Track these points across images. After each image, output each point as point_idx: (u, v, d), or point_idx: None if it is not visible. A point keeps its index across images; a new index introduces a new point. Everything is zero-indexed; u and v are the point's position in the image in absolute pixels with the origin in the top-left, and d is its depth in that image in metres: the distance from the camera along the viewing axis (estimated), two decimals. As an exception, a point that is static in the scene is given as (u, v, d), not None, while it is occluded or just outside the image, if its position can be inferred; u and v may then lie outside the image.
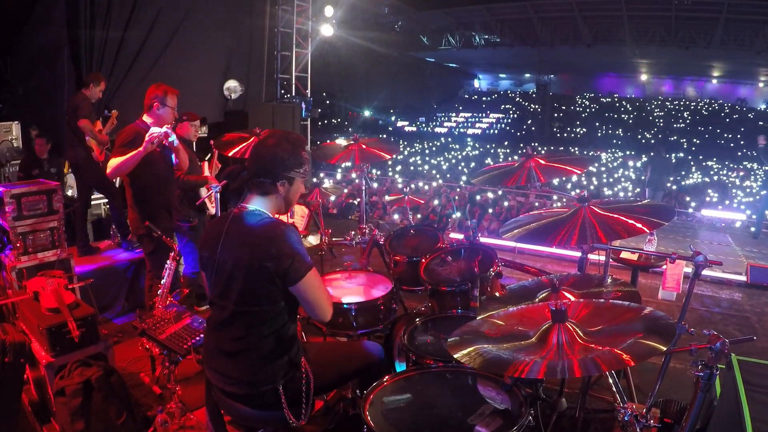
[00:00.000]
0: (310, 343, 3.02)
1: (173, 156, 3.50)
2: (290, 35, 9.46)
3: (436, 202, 11.22)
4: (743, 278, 5.74)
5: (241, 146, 3.95)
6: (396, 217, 9.56)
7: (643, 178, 13.42)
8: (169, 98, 3.46)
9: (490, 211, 10.69)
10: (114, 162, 3.22)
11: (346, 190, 9.68)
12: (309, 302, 1.96)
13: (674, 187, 15.13)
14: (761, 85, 27.74)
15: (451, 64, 32.52)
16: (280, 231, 1.87)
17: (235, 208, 1.99)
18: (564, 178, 13.70)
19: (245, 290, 1.88)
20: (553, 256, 6.50)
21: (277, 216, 2.03)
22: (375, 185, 12.48)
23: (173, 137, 3.28)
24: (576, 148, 24.12)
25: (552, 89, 31.98)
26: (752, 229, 8.32)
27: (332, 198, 9.83)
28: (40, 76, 6.78)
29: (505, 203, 11.01)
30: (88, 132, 4.81)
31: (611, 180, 16.72)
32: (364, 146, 3.75)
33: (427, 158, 20.68)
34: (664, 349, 1.49)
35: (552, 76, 31.11)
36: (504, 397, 1.84)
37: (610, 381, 1.96)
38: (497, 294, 2.61)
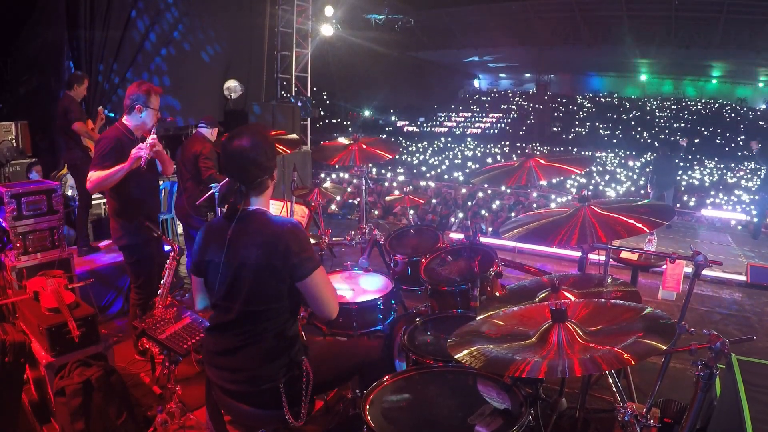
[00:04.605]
0: (311, 342, 3.02)
1: (157, 162, 3.36)
2: (290, 35, 9.45)
3: (435, 201, 11.24)
4: (743, 278, 5.74)
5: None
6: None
7: (642, 180, 13.38)
8: (152, 98, 3.23)
9: (484, 212, 10.69)
10: (95, 176, 3.04)
11: (349, 189, 9.67)
12: (315, 299, 1.97)
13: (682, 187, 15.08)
14: (761, 85, 27.73)
15: (450, 64, 32.52)
16: (286, 228, 1.89)
17: (229, 211, 1.96)
18: (567, 181, 13.71)
19: (254, 290, 1.89)
20: (553, 256, 6.50)
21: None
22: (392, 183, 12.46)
23: (158, 146, 3.14)
24: (576, 148, 24.11)
25: (552, 89, 31.95)
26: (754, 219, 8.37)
27: (338, 198, 9.86)
28: (40, 76, 6.78)
29: (496, 202, 11.05)
30: (83, 133, 4.81)
31: (611, 179, 16.72)
32: (364, 146, 3.75)
33: (427, 158, 20.70)
34: (664, 348, 1.49)
35: (552, 76, 31.10)
36: (504, 397, 1.84)
37: (610, 381, 1.96)
38: (497, 294, 2.61)
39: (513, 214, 9.81)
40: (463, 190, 11.83)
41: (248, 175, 1.94)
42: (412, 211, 9.63)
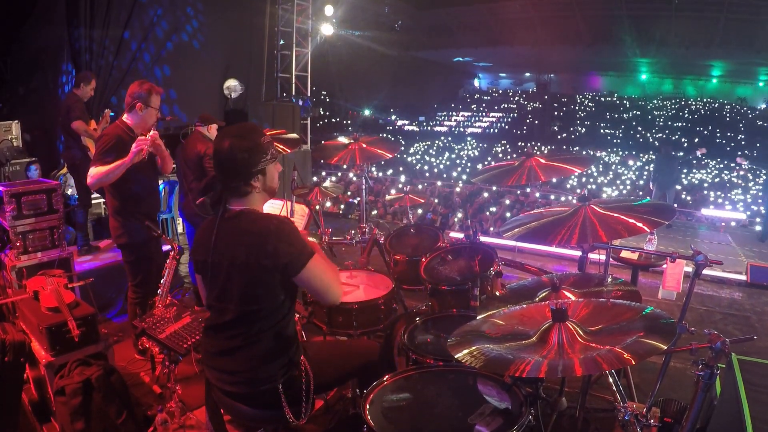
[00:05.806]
0: (310, 342, 3.01)
1: (157, 160, 3.36)
2: (290, 34, 9.45)
3: (436, 201, 11.24)
4: (743, 277, 5.74)
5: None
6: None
7: (640, 183, 13.36)
8: (153, 98, 3.24)
9: (489, 212, 10.69)
10: (95, 172, 3.05)
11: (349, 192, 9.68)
12: (314, 289, 1.95)
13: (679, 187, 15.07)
14: (761, 84, 27.70)
15: (450, 63, 32.51)
16: (273, 226, 1.85)
17: (222, 211, 1.93)
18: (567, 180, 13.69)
19: (245, 290, 1.87)
20: (553, 255, 6.50)
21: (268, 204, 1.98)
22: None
23: (159, 140, 3.15)
24: (576, 147, 24.10)
25: (552, 88, 31.96)
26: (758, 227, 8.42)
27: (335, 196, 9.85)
28: (40, 76, 6.78)
29: (507, 201, 11.02)
30: (82, 132, 4.81)
31: (611, 179, 16.71)
32: (364, 145, 3.74)
33: (427, 157, 20.70)
34: (665, 348, 1.49)
35: (552, 75, 31.09)
36: (504, 397, 1.84)
37: (611, 380, 1.96)
38: (497, 293, 2.61)
39: (511, 214, 9.82)
40: (459, 189, 11.83)
41: (221, 176, 1.91)
42: (420, 210, 9.66)
